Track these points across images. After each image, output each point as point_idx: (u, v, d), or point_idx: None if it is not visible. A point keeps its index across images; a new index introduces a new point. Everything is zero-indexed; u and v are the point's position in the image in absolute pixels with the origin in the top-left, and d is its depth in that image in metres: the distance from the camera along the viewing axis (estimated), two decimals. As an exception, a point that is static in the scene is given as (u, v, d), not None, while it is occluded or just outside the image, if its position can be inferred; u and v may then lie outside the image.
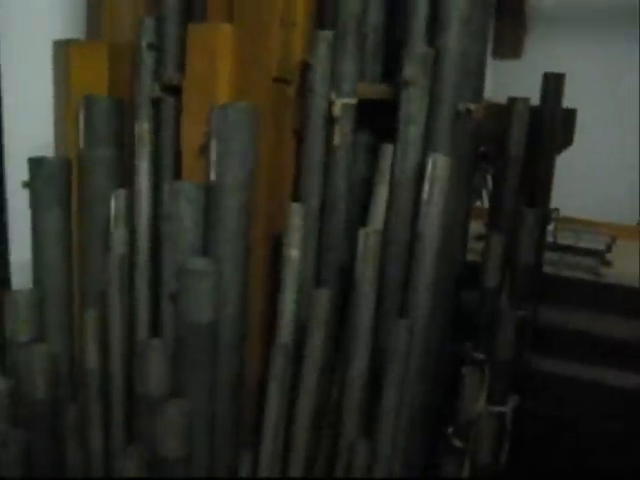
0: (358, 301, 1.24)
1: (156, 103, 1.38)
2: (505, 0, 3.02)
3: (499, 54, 3.08)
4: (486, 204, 1.80)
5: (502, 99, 3.20)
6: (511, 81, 3.13)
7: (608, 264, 1.73)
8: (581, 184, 2.55)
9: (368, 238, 1.20)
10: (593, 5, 2.84)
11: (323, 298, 1.24)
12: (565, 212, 1.85)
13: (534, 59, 3.06)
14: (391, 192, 1.23)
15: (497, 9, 3.04)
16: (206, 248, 1.23)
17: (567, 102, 2.72)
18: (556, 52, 2.97)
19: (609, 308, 1.53)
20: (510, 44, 3.06)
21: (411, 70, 1.17)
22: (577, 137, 1.72)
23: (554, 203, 1.51)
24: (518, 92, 3.17)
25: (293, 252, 1.26)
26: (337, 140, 1.22)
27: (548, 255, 1.58)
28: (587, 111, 2.91)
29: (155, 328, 1.36)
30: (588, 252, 1.75)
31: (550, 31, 2.99)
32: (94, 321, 1.35)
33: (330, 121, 1.22)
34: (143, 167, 1.39)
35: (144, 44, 1.36)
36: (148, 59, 1.37)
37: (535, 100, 1.47)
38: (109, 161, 1.38)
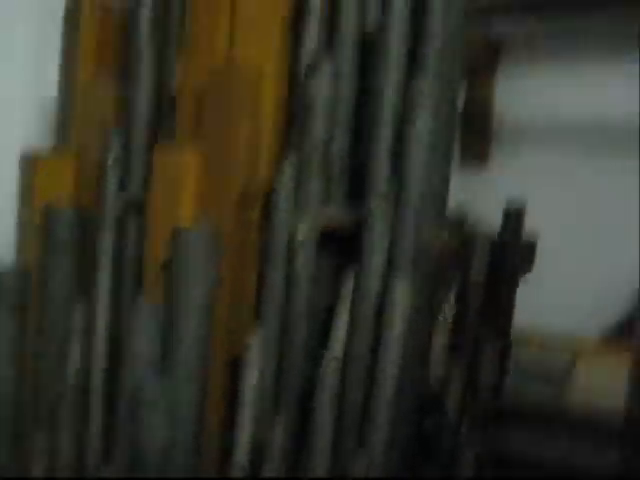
0: (317, 427, 1.22)
1: (120, 218, 1.38)
2: (471, 110, 3.11)
3: (465, 164, 3.14)
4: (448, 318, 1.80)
5: (468, 208, 3.25)
6: (477, 189, 3.20)
7: (570, 387, 1.72)
8: (544, 295, 2.57)
9: (328, 364, 1.19)
10: (559, 119, 2.94)
11: (280, 424, 1.22)
12: (527, 323, 1.86)
13: (500, 168, 3.13)
14: (352, 318, 1.22)
15: (463, 119, 3.13)
16: (164, 368, 1.21)
17: (530, 214, 2.77)
18: (522, 163, 3.05)
19: (571, 433, 1.52)
20: (476, 154, 3.13)
21: (374, 202, 1.19)
22: (540, 246, 1.75)
23: (517, 314, 1.53)
24: (483, 201, 3.23)
25: (252, 373, 1.24)
26: (299, 264, 1.22)
27: (510, 379, 1.58)
28: (551, 221, 2.98)
29: (107, 449, 1.32)
30: (549, 376, 1.75)
31: (516, 142, 3.07)
32: (43, 439, 1.31)
33: (293, 245, 1.23)
34: (104, 282, 1.38)
35: (110, 159, 1.37)
36: (113, 174, 1.37)
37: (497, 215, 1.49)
38: (69, 273, 1.37)
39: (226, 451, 1.30)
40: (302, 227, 1.22)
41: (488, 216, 3.22)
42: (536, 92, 2.96)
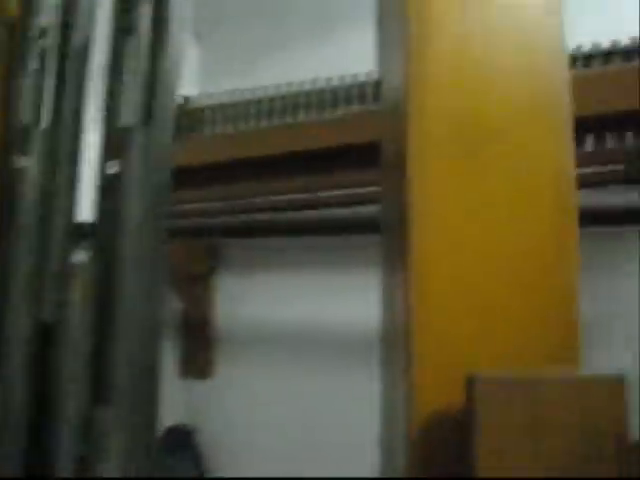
0: None
1: None
2: (190, 322, 2.98)
3: (188, 374, 2.98)
4: None
5: (193, 419, 3.04)
6: (202, 400, 3.03)
7: None
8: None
9: None
10: (279, 332, 2.89)
11: None
12: None
13: (224, 378, 3.00)
14: None
15: (183, 330, 2.99)
16: None
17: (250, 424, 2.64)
18: (244, 372, 2.94)
19: None
20: (198, 365, 2.97)
21: None
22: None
23: None
24: (208, 410, 3.05)
25: None
26: None
27: None
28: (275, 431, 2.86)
29: None
30: None
31: (238, 352, 2.97)
32: None
33: None
34: None
35: None
36: None
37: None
38: None
39: None
40: None
41: (213, 424, 3.04)
42: (254, 301, 2.91)
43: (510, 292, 0.80)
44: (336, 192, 2.39)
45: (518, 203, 0.82)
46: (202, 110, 2.77)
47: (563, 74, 0.81)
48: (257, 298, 2.90)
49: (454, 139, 0.82)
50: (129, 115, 1.20)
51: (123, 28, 1.19)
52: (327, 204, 2.37)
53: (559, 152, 0.81)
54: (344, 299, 2.73)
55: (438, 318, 0.78)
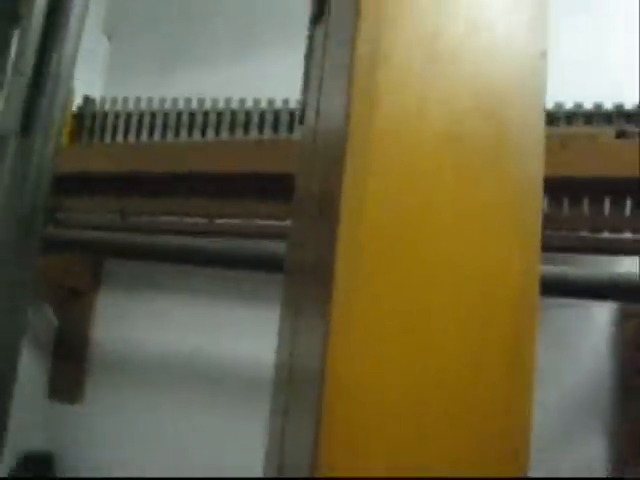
0: None
1: None
2: (66, 339, 2.75)
3: (56, 397, 2.73)
4: None
5: (57, 447, 2.80)
6: (69, 425, 2.79)
7: None
8: None
9: None
10: (160, 360, 2.69)
11: None
12: None
13: (95, 405, 2.77)
14: None
15: (57, 347, 2.76)
16: None
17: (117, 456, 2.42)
18: (118, 399, 2.73)
19: None
20: (68, 388, 2.74)
21: None
22: None
23: None
24: (76, 437, 2.82)
25: None
26: None
27: None
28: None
29: None
30: None
31: (114, 377, 2.75)
32: None
33: None
34: None
35: None
36: None
37: None
38: None
39: None
40: None
41: (82, 450, 2.80)
42: (137, 324, 2.71)
43: (454, 402, 0.65)
44: (235, 221, 2.24)
45: (470, 297, 0.67)
46: (104, 115, 2.57)
47: (539, 150, 0.68)
48: (141, 322, 2.70)
49: (396, 196, 0.66)
50: (6, 120, 1.02)
51: (8, 14, 1.01)
52: (225, 232, 2.22)
53: (526, 243, 0.68)
54: (233, 332, 2.58)
55: (357, 424, 0.63)
